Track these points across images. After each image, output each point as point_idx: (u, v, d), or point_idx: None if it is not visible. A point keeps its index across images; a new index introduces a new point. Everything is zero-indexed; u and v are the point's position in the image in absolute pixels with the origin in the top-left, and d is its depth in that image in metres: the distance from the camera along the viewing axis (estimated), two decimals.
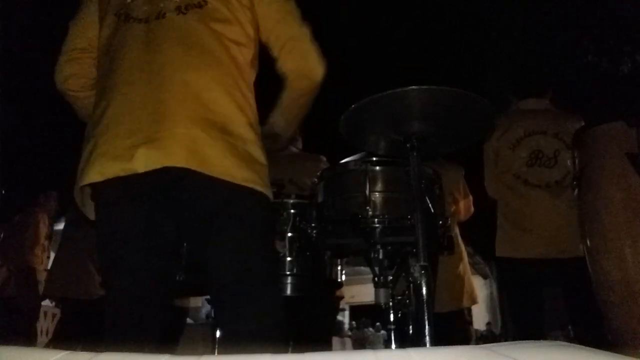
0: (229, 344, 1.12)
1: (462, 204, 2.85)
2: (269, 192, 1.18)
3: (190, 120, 1.09)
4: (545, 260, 2.13)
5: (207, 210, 1.13)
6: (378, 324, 10.06)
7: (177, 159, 1.06)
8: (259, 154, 1.17)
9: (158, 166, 1.05)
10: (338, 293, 2.32)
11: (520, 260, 2.19)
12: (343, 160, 1.69)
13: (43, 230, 3.97)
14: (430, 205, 1.46)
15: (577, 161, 1.95)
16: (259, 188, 1.14)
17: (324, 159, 2.55)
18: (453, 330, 2.69)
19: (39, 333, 4.43)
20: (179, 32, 1.18)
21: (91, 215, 1.22)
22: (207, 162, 1.07)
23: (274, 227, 1.31)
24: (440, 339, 1.14)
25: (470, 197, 2.94)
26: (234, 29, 1.22)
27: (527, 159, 2.27)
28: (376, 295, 1.51)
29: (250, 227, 1.15)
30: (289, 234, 1.64)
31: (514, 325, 2.33)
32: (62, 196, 4.22)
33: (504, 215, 2.32)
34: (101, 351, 0.62)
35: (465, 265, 2.83)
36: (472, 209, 2.96)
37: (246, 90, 1.21)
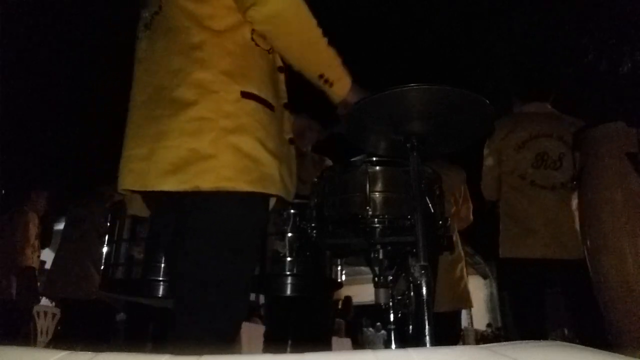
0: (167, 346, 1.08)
1: (462, 210, 2.83)
2: (228, 184, 1.04)
3: (143, 141, 1.11)
4: (551, 260, 2.13)
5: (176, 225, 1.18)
6: (378, 324, 10.06)
7: (125, 183, 1.11)
8: (203, 146, 1.04)
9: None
10: (337, 295, 2.31)
11: (524, 260, 2.19)
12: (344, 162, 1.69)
13: (33, 230, 3.95)
14: (430, 205, 1.46)
15: (577, 161, 1.95)
16: (201, 187, 1.03)
17: (329, 161, 2.57)
18: (450, 330, 2.70)
19: (39, 333, 4.43)
20: (145, 54, 1.21)
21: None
22: (144, 181, 1.07)
23: (243, 222, 1.11)
24: (438, 339, 1.15)
25: (470, 205, 2.92)
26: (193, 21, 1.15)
27: (532, 160, 2.29)
28: (376, 295, 1.51)
29: (193, 232, 1.08)
30: (289, 234, 1.64)
31: (515, 326, 2.33)
32: (61, 196, 4.20)
33: (508, 216, 2.32)
34: (101, 351, 0.62)
35: (463, 268, 2.84)
36: (471, 217, 2.94)
37: (204, 75, 1.10)
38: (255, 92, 1.13)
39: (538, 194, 2.24)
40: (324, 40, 1.23)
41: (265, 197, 1.12)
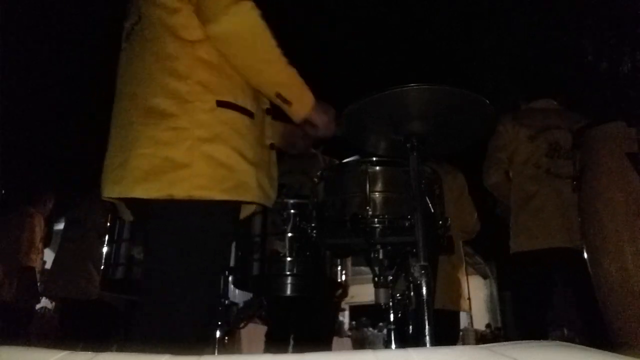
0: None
1: (470, 222, 2.75)
2: (190, 192, 1.07)
3: (119, 150, 1.15)
4: (565, 249, 2.12)
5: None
6: (381, 324, 10.06)
7: (105, 191, 1.15)
8: (177, 156, 1.07)
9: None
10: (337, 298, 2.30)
11: (537, 252, 2.18)
12: (344, 161, 1.69)
13: (39, 233, 3.95)
14: (430, 205, 1.46)
15: (577, 161, 1.95)
16: (164, 196, 1.06)
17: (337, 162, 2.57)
18: (450, 330, 2.68)
19: (39, 333, 4.43)
20: (126, 63, 1.23)
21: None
22: (123, 187, 1.10)
23: (208, 231, 1.14)
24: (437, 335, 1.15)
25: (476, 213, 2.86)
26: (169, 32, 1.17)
27: (546, 150, 2.32)
28: (376, 295, 1.50)
29: (159, 237, 1.12)
30: (289, 234, 1.64)
31: (517, 325, 2.32)
32: (61, 196, 4.20)
33: (521, 208, 2.32)
34: (101, 351, 0.62)
35: (463, 270, 2.82)
36: (479, 225, 2.88)
37: (176, 84, 1.12)
38: (231, 100, 1.15)
39: (554, 182, 2.26)
40: (282, 61, 1.22)
41: (237, 204, 1.15)
